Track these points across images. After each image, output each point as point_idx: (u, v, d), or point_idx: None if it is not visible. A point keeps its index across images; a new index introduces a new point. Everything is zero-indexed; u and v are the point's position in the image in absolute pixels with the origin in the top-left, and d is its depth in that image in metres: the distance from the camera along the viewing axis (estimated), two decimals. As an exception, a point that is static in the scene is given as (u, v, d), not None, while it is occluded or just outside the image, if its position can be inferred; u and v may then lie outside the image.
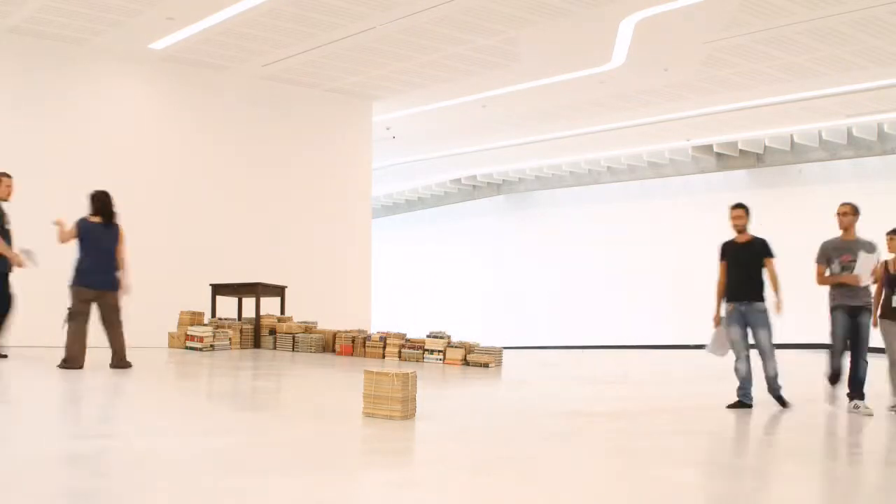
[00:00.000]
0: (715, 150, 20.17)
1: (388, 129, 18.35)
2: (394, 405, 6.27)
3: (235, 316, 13.16)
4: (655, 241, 22.37)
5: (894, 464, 5.55)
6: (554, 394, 9.10)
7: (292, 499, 4.08)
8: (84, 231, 8.86)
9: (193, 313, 12.31)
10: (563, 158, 22.42)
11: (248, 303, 13.12)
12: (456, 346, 11.38)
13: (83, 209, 13.12)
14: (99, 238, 8.84)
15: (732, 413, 7.49)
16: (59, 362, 8.70)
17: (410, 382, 6.42)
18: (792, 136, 18.96)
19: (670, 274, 21.89)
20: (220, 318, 12.80)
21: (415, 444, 5.77)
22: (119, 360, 8.83)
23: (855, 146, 18.33)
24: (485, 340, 12.03)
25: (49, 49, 12.74)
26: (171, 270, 13.19)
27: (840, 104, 15.96)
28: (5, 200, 9.38)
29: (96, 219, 8.92)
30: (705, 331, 8.34)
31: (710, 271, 22.51)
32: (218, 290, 12.95)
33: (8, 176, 9.35)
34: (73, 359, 8.57)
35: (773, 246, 8.20)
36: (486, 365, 11.03)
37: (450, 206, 27.25)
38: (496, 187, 25.84)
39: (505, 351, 11.81)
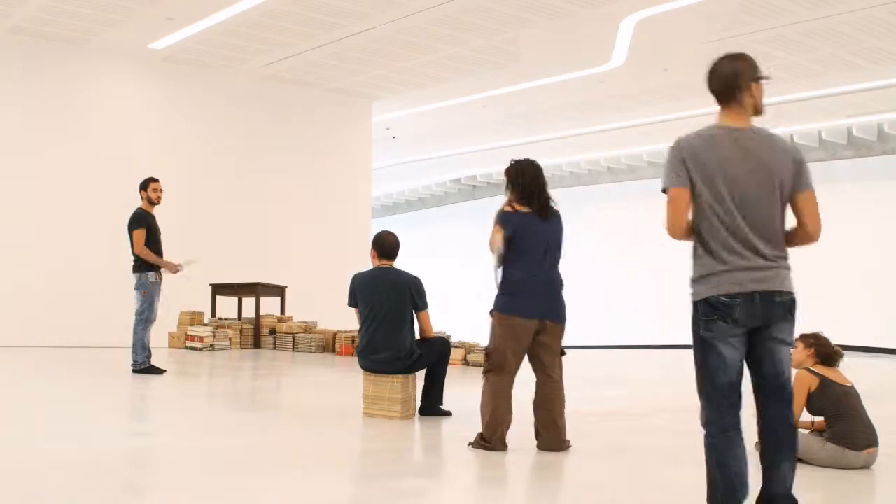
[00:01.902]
0: (715, 150, 20.16)
1: (388, 129, 18.35)
2: (394, 405, 6.27)
3: (235, 316, 13.15)
4: (655, 241, 22.31)
5: None
6: (554, 394, 9.08)
7: (292, 499, 4.08)
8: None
9: (193, 313, 12.32)
10: (563, 158, 22.42)
11: (248, 303, 13.12)
12: (456, 346, 11.38)
13: (83, 209, 13.17)
14: None
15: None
16: None
17: (410, 382, 6.42)
18: (792, 136, 18.95)
19: (670, 274, 21.85)
20: (220, 318, 12.80)
21: (415, 444, 5.77)
22: None
23: (855, 146, 18.32)
24: (484, 340, 12.02)
25: (49, 49, 12.74)
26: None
27: (840, 104, 15.96)
28: (156, 204, 8.85)
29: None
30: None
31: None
32: (218, 290, 12.95)
33: (155, 180, 8.87)
34: None
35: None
36: (486, 365, 11.02)
37: (450, 206, 27.23)
38: (496, 187, 25.82)
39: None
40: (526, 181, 5.33)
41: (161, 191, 8.81)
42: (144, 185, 8.79)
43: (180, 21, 11.96)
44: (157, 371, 8.72)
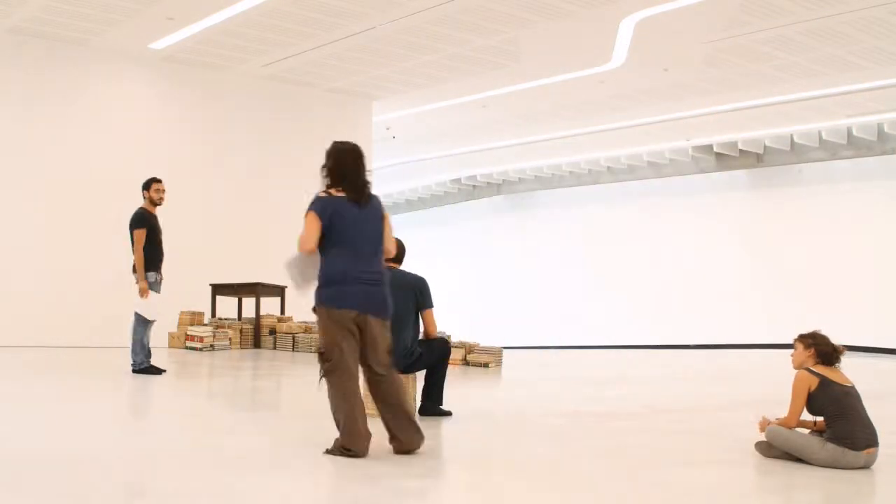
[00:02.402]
0: (715, 150, 20.17)
1: (388, 129, 18.35)
2: (394, 405, 6.26)
3: (235, 316, 13.16)
4: (655, 241, 22.37)
5: None
6: (554, 394, 9.10)
7: (292, 498, 4.08)
8: None
9: (193, 313, 12.32)
10: (563, 158, 22.42)
11: (248, 303, 13.12)
12: (456, 346, 11.38)
13: (82, 209, 13.17)
14: None
15: (732, 411, 7.49)
16: None
17: (410, 382, 6.42)
18: (792, 136, 18.96)
19: (670, 274, 21.89)
20: (220, 318, 12.80)
21: (415, 444, 5.76)
22: None
23: (855, 146, 18.33)
24: (484, 340, 12.03)
25: (49, 49, 12.74)
26: (170, 270, 13.16)
27: (840, 104, 15.96)
28: (158, 205, 8.76)
29: None
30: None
31: (711, 271, 22.49)
32: (218, 290, 12.95)
33: (158, 180, 8.80)
34: None
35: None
36: (485, 365, 11.03)
37: (450, 206, 27.24)
38: (496, 187, 25.84)
39: (505, 351, 11.81)
40: (338, 163, 5.06)
41: (163, 191, 8.78)
42: (147, 186, 8.76)
43: (180, 21, 11.96)
44: (157, 371, 8.69)
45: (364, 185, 5.05)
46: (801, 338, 5.32)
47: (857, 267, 18.69)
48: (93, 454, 4.87)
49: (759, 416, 5.42)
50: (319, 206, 4.94)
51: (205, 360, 10.78)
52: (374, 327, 4.90)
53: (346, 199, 4.97)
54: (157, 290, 8.62)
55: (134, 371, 8.66)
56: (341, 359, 4.83)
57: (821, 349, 5.22)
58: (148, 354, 8.73)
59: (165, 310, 9.44)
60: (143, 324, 8.59)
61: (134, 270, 8.58)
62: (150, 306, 8.54)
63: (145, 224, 8.52)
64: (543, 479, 4.67)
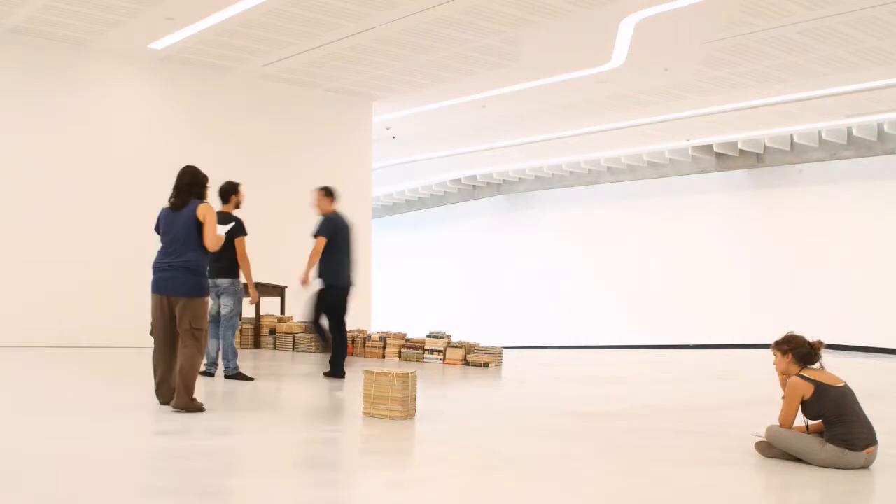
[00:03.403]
0: (715, 150, 20.18)
1: (388, 129, 18.35)
2: (394, 405, 6.28)
3: (252, 314, 13.14)
4: (655, 241, 22.39)
5: None
6: (554, 394, 9.10)
7: (292, 499, 4.08)
8: None
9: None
10: (563, 158, 22.43)
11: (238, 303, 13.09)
12: (456, 346, 11.39)
13: (82, 208, 13.17)
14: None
15: (732, 411, 7.49)
16: None
17: (410, 382, 6.42)
18: (792, 136, 18.96)
19: (670, 273, 21.90)
20: (220, 318, 12.79)
21: (415, 444, 5.78)
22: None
23: (855, 146, 18.33)
24: (484, 340, 12.03)
25: (49, 49, 12.75)
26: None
27: (840, 104, 15.97)
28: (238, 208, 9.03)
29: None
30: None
31: (711, 271, 22.47)
32: (218, 290, 12.93)
33: (240, 183, 9.23)
34: None
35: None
36: (485, 365, 11.03)
37: (450, 206, 27.25)
38: (496, 187, 25.84)
39: (505, 351, 11.81)
40: (175, 182, 6.69)
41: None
42: (235, 191, 9.07)
43: (180, 21, 11.95)
44: (246, 378, 8.67)
45: (180, 196, 6.65)
46: (777, 345, 5.32)
47: (858, 267, 18.70)
48: (92, 454, 4.87)
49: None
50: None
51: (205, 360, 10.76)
52: (179, 307, 6.44)
53: (169, 207, 6.69)
54: (243, 297, 8.97)
55: (227, 377, 8.70)
56: (154, 330, 6.70)
57: (798, 352, 5.21)
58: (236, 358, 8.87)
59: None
60: (233, 329, 8.77)
61: (227, 275, 8.68)
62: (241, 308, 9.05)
63: (246, 231, 8.77)
64: (544, 478, 4.67)
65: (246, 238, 8.67)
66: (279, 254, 14.75)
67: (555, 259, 24.61)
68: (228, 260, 8.57)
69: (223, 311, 8.72)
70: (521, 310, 25.01)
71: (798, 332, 5.37)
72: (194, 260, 6.50)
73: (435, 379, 9.70)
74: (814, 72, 13.71)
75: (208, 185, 6.84)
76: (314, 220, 9.26)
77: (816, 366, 5.24)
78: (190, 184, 6.65)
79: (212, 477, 4.45)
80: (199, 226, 6.52)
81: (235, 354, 8.71)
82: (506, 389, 9.41)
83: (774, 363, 5.35)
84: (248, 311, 13.18)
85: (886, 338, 17.71)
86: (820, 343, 5.27)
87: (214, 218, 6.56)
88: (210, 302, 8.51)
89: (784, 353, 5.24)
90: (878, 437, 5.13)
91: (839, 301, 18.57)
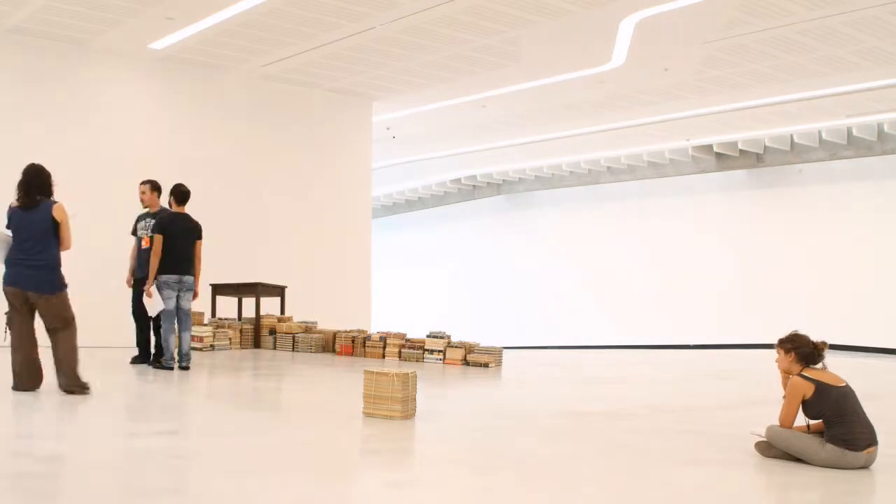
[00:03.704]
0: (715, 150, 20.18)
1: (388, 129, 18.35)
2: (394, 405, 6.27)
3: (235, 316, 13.16)
4: (655, 241, 22.38)
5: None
6: (554, 394, 9.10)
7: (293, 499, 4.08)
8: None
9: (193, 313, 12.29)
10: (563, 158, 22.42)
11: (248, 303, 13.12)
12: (456, 346, 11.38)
13: (81, 208, 13.13)
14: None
15: (732, 411, 7.48)
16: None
17: (410, 382, 6.42)
18: (792, 136, 18.96)
19: (670, 273, 21.90)
20: (220, 318, 12.80)
21: (415, 444, 5.77)
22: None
23: (855, 146, 18.33)
24: (484, 340, 12.03)
25: (49, 49, 12.74)
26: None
27: (840, 104, 15.96)
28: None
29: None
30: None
31: (711, 270, 22.39)
32: (218, 290, 12.95)
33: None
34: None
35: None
36: (485, 365, 11.03)
37: (450, 206, 27.26)
38: (496, 187, 25.84)
39: (505, 351, 11.81)
40: (22, 181, 7.04)
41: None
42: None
43: (180, 21, 11.95)
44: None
45: (30, 196, 7.05)
46: (781, 343, 5.31)
47: (858, 266, 18.70)
48: (92, 454, 4.87)
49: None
50: (8, 215, 7.08)
51: (205, 360, 10.77)
52: (41, 303, 6.99)
53: (21, 206, 7.05)
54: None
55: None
56: (13, 321, 7.15)
57: (801, 352, 5.20)
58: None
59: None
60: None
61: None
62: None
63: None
64: (544, 478, 4.67)
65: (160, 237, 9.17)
66: (279, 254, 14.78)
67: (554, 259, 24.61)
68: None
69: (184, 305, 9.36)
70: (521, 310, 25.01)
71: (802, 332, 5.36)
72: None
73: (435, 379, 9.70)
74: (814, 72, 13.71)
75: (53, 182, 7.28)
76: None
77: (819, 366, 5.24)
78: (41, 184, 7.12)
79: (211, 477, 4.45)
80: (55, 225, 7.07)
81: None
82: (506, 389, 9.41)
83: (777, 360, 5.35)
84: (248, 311, 13.20)
85: (887, 338, 17.71)
86: (824, 343, 5.27)
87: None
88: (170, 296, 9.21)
89: (787, 351, 5.24)
90: (879, 437, 5.13)
91: (840, 301, 18.56)
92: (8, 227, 7.03)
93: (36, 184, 7.07)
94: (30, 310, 7.07)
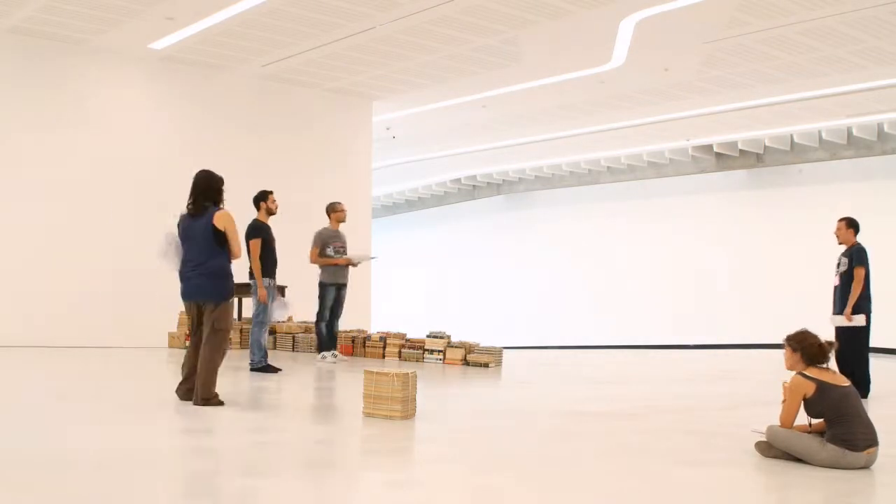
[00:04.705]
0: (715, 150, 20.18)
1: (388, 129, 18.35)
2: (394, 405, 6.27)
3: (235, 316, 13.14)
4: (655, 241, 22.37)
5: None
6: (554, 393, 9.10)
7: (293, 499, 4.08)
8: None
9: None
10: (563, 158, 22.43)
11: (248, 303, 13.10)
12: (456, 346, 11.38)
13: (81, 208, 13.16)
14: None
15: (732, 411, 7.48)
16: None
17: (410, 382, 6.42)
18: (792, 136, 18.96)
19: (670, 273, 21.89)
20: (220, 318, 12.78)
21: (415, 444, 5.77)
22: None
23: (855, 146, 18.33)
24: (485, 340, 12.03)
25: (49, 49, 12.74)
26: (171, 270, 13.19)
27: (840, 104, 15.96)
28: (273, 215, 9.78)
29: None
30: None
31: (711, 270, 22.41)
32: (218, 290, 12.93)
33: (272, 192, 9.88)
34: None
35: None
36: (486, 365, 11.02)
37: (450, 206, 27.26)
38: (496, 187, 25.84)
39: (505, 351, 11.81)
40: (191, 188, 6.73)
41: (277, 202, 9.72)
42: (264, 197, 9.66)
43: (180, 21, 11.95)
44: (274, 370, 9.35)
45: (197, 202, 6.72)
46: (788, 340, 5.32)
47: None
48: (92, 454, 4.87)
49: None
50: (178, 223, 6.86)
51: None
52: (206, 311, 6.73)
53: (187, 213, 6.80)
54: (273, 296, 9.51)
55: (252, 370, 9.38)
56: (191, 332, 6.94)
57: (808, 352, 5.21)
58: (265, 354, 9.44)
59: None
60: (259, 325, 9.38)
61: (251, 277, 9.43)
62: (269, 310, 9.45)
63: (260, 234, 9.47)
64: (544, 478, 4.67)
65: (258, 241, 9.45)
66: (279, 254, 14.74)
67: (554, 259, 24.61)
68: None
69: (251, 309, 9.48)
70: (521, 310, 25.00)
71: (812, 330, 5.36)
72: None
73: (435, 379, 9.70)
74: (814, 72, 13.71)
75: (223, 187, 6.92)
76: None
77: (823, 365, 5.24)
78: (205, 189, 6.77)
79: (211, 477, 4.45)
80: (217, 233, 6.68)
81: (260, 349, 9.37)
82: (506, 389, 9.41)
83: (784, 357, 5.36)
84: (246, 311, 13.19)
85: (887, 338, 17.69)
86: (830, 343, 5.28)
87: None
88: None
89: (794, 350, 5.25)
90: (879, 437, 5.13)
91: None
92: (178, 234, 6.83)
93: (202, 190, 6.73)
94: (200, 320, 6.82)
